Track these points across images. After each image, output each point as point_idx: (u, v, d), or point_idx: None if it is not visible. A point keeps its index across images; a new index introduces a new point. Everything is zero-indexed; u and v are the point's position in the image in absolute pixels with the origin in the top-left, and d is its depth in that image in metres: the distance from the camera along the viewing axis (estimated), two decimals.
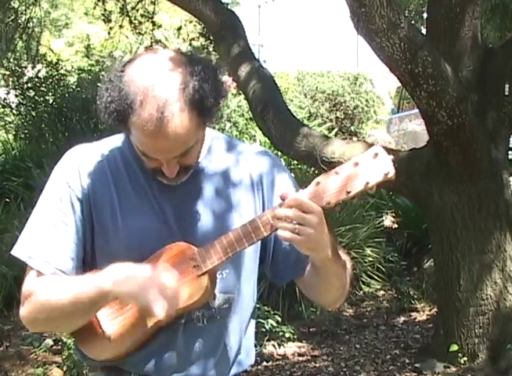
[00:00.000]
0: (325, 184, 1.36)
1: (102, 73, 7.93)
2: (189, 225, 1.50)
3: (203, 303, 1.47)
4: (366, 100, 14.76)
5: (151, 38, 8.36)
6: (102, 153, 1.54)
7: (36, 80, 8.60)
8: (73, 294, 1.41)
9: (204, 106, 1.37)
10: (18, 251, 1.50)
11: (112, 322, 1.45)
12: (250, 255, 1.55)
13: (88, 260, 1.52)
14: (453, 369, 3.95)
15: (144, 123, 1.35)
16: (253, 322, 1.63)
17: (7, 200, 6.43)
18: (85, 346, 1.49)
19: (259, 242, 1.51)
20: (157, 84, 1.35)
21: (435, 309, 4.82)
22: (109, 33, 8.29)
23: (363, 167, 1.36)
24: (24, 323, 1.52)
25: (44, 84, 8.61)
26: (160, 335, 1.47)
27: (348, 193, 1.36)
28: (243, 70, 4.55)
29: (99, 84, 1.43)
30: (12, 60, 8.70)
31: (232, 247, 1.42)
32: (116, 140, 1.57)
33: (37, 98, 8.60)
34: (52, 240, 1.48)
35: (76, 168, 1.51)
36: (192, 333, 1.49)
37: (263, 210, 1.53)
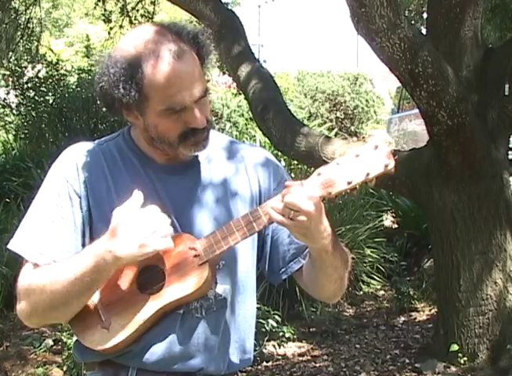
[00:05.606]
0: (326, 174, 1.38)
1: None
2: (185, 213, 1.51)
3: (204, 293, 1.47)
4: (366, 100, 14.78)
5: None
6: (98, 148, 1.56)
7: (36, 80, 8.61)
8: (69, 271, 1.40)
9: (196, 41, 1.46)
10: (14, 244, 1.50)
11: (111, 311, 1.45)
12: (247, 248, 1.55)
13: None
14: (453, 369, 3.95)
15: (159, 63, 1.40)
16: (253, 321, 1.62)
17: (7, 200, 6.42)
18: (83, 335, 1.48)
19: (256, 235, 1.52)
20: (148, 37, 1.43)
21: (435, 309, 4.82)
22: (109, 33, 8.29)
23: (364, 158, 1.38)
24: (21, 318, 1.52)
25: (44, 85, 8.62)
26: (158, 326, 1.46)
27: (349, 183, 1.37)
28: (243, 70, 4.56)
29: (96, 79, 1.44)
30: (12, 60, 8.70)
31: (233, 236, 1.42)
32: (111, 137, 1.60)
33: (37, 98, 8.61)
34: (49, 233, 1.48)
35: (74, 164, 1.52)
36: (190, 324, 1.48)
37: (259, 201, 1.55)
